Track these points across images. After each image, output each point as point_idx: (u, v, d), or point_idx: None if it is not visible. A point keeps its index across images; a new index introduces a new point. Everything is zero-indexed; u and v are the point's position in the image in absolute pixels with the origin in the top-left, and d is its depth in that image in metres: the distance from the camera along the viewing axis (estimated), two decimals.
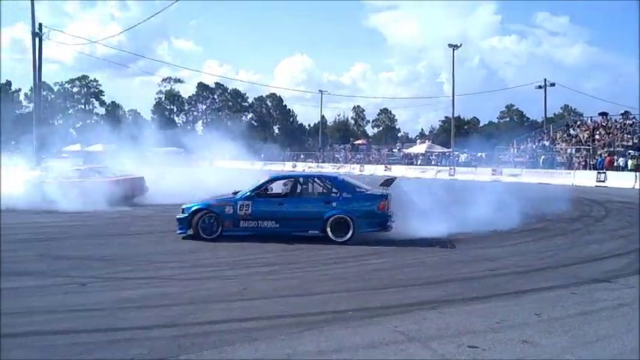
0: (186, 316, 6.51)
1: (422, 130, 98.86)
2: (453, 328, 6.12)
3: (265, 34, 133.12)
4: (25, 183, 19.61)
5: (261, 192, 12.33)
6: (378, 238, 11.98)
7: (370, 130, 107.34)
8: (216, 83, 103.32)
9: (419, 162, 55.01)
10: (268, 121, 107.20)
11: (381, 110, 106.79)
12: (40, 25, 33.20)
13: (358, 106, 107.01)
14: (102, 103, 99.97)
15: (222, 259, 10.10)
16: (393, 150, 66.07)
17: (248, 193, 12.21)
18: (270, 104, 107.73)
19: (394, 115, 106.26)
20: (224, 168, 37.15)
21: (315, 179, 13.08)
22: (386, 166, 53.84)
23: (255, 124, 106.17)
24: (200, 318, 6.47)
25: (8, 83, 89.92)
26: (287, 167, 63.89)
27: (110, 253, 10.57)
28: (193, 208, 12.17)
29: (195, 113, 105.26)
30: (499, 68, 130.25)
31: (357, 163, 59.21)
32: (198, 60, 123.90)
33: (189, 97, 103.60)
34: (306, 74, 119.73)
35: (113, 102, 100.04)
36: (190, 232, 12.08)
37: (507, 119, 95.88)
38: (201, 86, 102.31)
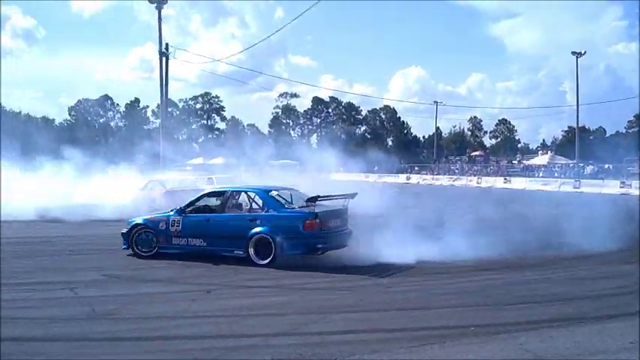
0: (306, 325, 6.57)
1: (543, 140, 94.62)
2: (583, 348, 5.76)
3: (379, 46, 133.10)
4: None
5: (193, 208, 11.50)
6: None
7: (488, 142, 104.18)
8: (331, 97, 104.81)
9: (540, 174, 52.63)
10: (382, 134, 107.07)
11: (499, 121, 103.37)
12: (167, 45, 35.28)
13: (475, 117, 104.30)
14: (223, 119, 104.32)
15: (337, 272, 10.07)
16: (513, 162, 63.66)
17: (179, 209, 11.48)
18: (383, 116, 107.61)
19: (513, 126, 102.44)
20: (339, 181, 37.30)
21: (245, 193, 11.79)
22: (505, 179, 51.94)
23: (369, 136, 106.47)
24: (320, 328, 6.50)
25: (137, 100, 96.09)
26: (401, 179, 63.44)
27: (233, 262, 10.87)
28: (133, 223, 11.66)
29: (310, 127, 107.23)
30: (626, 76, 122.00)
31: (474, 175, 57.63)
32: (313, 75, 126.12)
33: (304, 111, 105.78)
34: (421, 85, 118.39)
35: (233, 117, 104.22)
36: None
37: (636, 129, 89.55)
38: (316, 100, 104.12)
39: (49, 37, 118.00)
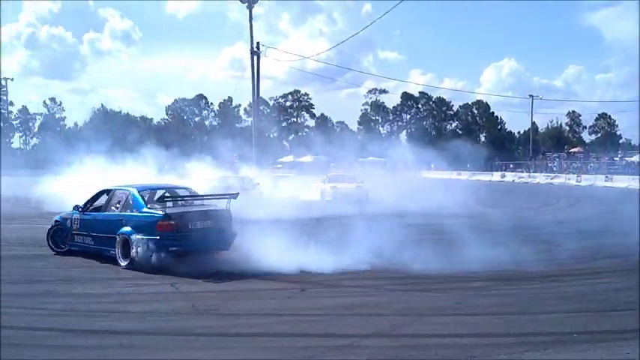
0: (400, 327, 6.56)
1: None
2: None
3: (470, 39, 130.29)
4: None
5: (90, 206, 11.46)
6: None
7: (587, 137, 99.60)
8: (421, 92, 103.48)
9: None
10: (474, 129, 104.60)
11: (598, 115, 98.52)
12: (258, 43, 36.01)
13: (573, 112, 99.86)
14: (312, 116, 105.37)
15: (434, 272, 9.93)
16: (615, 158, 60.45)
17: (79, 206, 11.46)
18: (476, 111, 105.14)
19: (614, 120, 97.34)
20: (429, 178, 36.84)
21: (124, 191, 11.22)
22: (606, 177, 49.46)
23: (461, 132, 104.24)
24: (414, 330, 6.47)
25: (230, 99, 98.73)
26: (495, 177, 61.74)
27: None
28: (54, 219, 11.88)
29: (399, 123, 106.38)
30: None
31: (573, 173, 55.18)
32: (402, 70, 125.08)
33: (393, 107, 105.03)
34: (515, 79, 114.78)
35: (322, 114, 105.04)
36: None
37: None
38: (406, 96, 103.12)
39: (145, 38, 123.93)
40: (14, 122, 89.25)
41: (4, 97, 78.62)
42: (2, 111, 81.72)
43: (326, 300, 7.92)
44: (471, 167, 69.14)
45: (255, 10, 37.06)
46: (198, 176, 23.55)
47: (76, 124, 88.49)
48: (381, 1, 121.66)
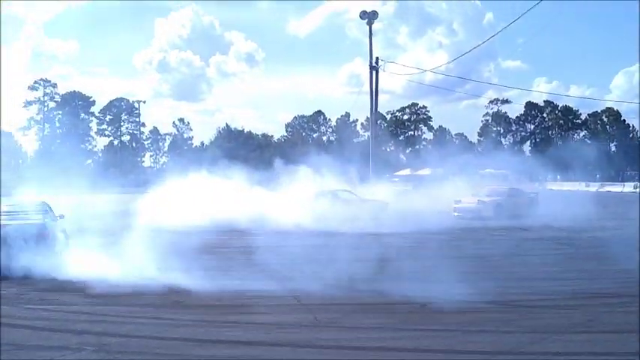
0: (529, 345, 6.29)
1: None
2: None
3: (599, 44, 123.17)
4: None
5: None
6: None
7: None
8: (546, 101, 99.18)
9: None
10: (604, 138, 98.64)
11: None
12: (377, 58, 36.21)
13: None
14: (430, 129, 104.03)
15: (561, 288, 9.47)
16: None
17: None
18: (605, 119, 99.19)
19: None
20: (554, 190, 35.25)
21: None
22: None
23: (589, 141, 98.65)
24: (544, 348, 6.18)
25: (347, 115, 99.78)
26: (627, 189, 57.80)
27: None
28: None
29: (523, 133, 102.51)
30: None
31: None
32: (526, 78, 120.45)
33: (516, 117, 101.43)
34: None
35: (440, 126, 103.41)
36: None
37: None
38: (530, 105, 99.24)
39: (268, 59, 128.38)
40: (145, 142, 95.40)
41: (137, 119, 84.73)
42: (134, 132, 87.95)
43: (449, 316, 7.72)
44: (600, 178, 65.22)
45: (374, 25, 37.35)
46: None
47: (202, 142, 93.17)
48: (504, 9, 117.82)
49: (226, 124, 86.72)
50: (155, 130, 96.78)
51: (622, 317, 7.50)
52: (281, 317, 7.74)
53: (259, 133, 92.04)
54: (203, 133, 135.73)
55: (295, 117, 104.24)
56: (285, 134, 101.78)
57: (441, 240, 16.68)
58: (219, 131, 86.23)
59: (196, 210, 20.97)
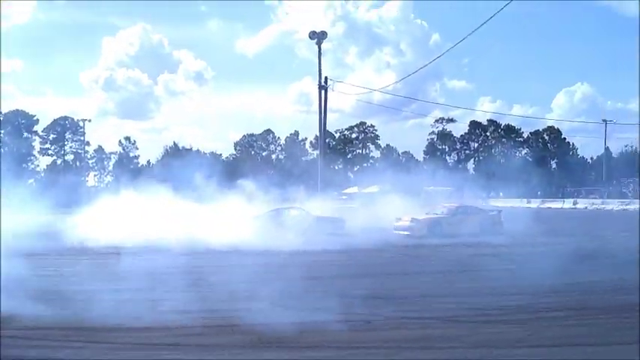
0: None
1: None
2: None
3: (540, 65, 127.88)
4: None
5: None
6: None
7: None
8: (489, 120, 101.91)
9: None
10: (545, 156, 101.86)
11: None
12: (326, 78, 36.52)
13: None
14: (377, 147, 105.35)
15: (503, 303, 9.66)
16: None
17: None
18: (547, 138, 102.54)
19: None
20: (497, 207, 35.92)
21: None
22: None
23: (531, 159, 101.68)
24: None
25: (296, 133, 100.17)
26: (567, 205, 59.74)
27: (394, 292, 10.85)
28: None
29: (467, 151, 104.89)
30: None
31: None
32: (470, 98, 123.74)
33: (461, 135, 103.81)
34: (588, 103, 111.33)
35: (388, 145, 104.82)
36: None
37: None
38: (474, 124, 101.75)
39: (217, 77, 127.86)
40: (90, 161, 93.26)
41: (82, 138, 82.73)
42: (79, 151, 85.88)
43: (393, 332, 7.75)
44: (541, 195, 67.19)
45: (324, 45, 37.70)
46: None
47: (148, 161, 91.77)
48: (450, 30, 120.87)
49: (174, 143, 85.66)
50: (100, 149, 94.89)
51: (560, 331, 7.67)
52: None
53: (207, 151, 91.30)
54: (150, 152, 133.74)
55: (244, 135, 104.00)
56: (234, 152, 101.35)
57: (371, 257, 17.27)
58: (167, 150, 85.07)
59: (124, 229, 20.37)
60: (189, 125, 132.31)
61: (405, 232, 23.24)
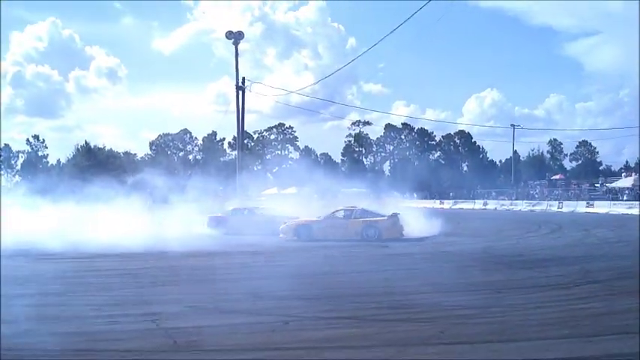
0: (387, 359, 6.49)
1: (627, 162, 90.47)
2: None
3: (453, 71, 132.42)
4: None
5: None
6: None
7: (568, 164, 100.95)
8: (404, 123, 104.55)
9: (625, 197, 50.29)
10: (457, 159, 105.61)
11: (579, 143, 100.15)
12: (244, 78, 36.32)
13: (554, 140, 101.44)
14: (296, 148, 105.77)
15: (417, 301, 9.96)
16: (595, 185, 61.16)
17: None
18: (458, 141, 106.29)
19: (594, 148, 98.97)
20: (412, 208, 36.96)
21: None
22: (588, 203, 49.99)
23: (443, 162, 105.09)
24: None
25: (214, 133, 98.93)
26: (477, 205, 62.08)
27: (310, 293, 10.94)
28: None
29: (382, 154, 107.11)
30: None
31: (555, 200, 55.70)
32: (386, 102, 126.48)
33: (377, 138, 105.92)
34: (497, 109, 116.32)
35: (306, 147, 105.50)
36: None
37: None
38: (389, 127, 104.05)
39: (131, 75, 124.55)
40: None
41: None
42: None
43: (310, 333, 7.81)
44: (453, 196, 69.51)
45: (241, 45, 37.53)
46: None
47: (58, 161, 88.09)
48: (366, 34, 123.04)
49: (85, 142, 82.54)
50: (7, 148, 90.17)
51: (472, 328, 7.96)
52: None
53: (121, 151, 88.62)
54: (60, 151, 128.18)
55: (160, 135, 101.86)
56: (150, 152, 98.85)
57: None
58: (78, 149, 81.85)
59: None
60: (102, 124, 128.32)
61: (282, 236, 22.92)
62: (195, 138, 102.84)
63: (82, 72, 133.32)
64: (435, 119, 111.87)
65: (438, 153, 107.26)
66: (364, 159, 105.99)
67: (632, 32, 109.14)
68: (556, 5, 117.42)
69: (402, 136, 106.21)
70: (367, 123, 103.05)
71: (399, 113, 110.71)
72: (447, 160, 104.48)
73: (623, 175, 62.56)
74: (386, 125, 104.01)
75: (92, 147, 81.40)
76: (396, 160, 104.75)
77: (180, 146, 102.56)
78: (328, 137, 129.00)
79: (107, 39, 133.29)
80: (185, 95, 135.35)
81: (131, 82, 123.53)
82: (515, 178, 77.25)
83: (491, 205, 60.93)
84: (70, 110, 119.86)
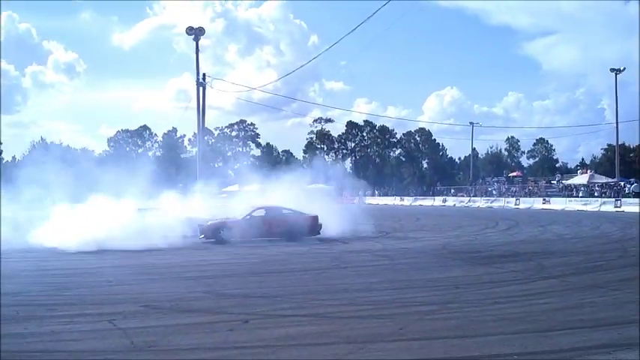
0: (344, 356, 6.50)
1: (582, 159, 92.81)
2: None
3: (413, 69, 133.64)
4: None
5: None
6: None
7: (525, 162, 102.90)
8: (365, 121, 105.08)
9: (580, 194, 51.60)
10: (417, 156, 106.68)
11: (536, 140, 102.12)
12: (204, 75, 35.96)
13: (512, 137, 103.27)
14: (258, 145, 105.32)
15: (377, 298, 10.03)
16: (552, 182, 62.57)
17: None
18: (418, 139, 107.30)
19: (551, 145, 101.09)
20: (373, 204, 37.23)
21: None
22: (544, 199, 51.11)
23: (404, 159, 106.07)
24: (358, 358, 6.42)
25: (174, 130, 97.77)
26: (437, 202, 62.84)
27: (269, 291, 10.90)
28: None
29: (344, 151, 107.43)
30: None
31: (513, 196, 56.79)
32: (347, 99, 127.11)
33: (338, 135, 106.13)
34: (456, 107, 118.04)
35: (268, 143, 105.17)
36: None
37: None
38: (351, 124, 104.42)
39: (90, 70, 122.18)
40: None
41: None
42: None
43: (269, 331, 7.77)
44: (413, 192, 70.26)
45: (202, 41, 37.19)
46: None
47: (14, 157, 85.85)
48: (328, 32, 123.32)
49: (41, 138, 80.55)
50: None
51: (430, 324, 8.04)
52: None
53: (79, 147, 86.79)
54: (16, 148, 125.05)
55: (119, 131, 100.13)
56: (108, 149, 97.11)
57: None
58: (34, 145, 79.85)
59: None
60: (59, 120, 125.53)
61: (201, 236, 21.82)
62: (155, 134, 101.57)
63: (39, 67, 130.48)
64: (396, 117, 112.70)
65: (399, 150, 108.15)
66: (326, 156, 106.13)
67: (588, 32, 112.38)
68: (514, 5, 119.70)
69: (364, 134, 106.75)
70: (329, 120, 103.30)
71: (361, 110, 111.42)
72: (408, 158, 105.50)
73: (578, 172, 64.15)
74: (348, 122, 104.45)
75: (49, 143, 79.62)
76: (358, 157, 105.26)
77: (140, 142, 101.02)
78: (290, 134, 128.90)
79: (65, 33, 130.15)
80: (145, 91, 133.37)
81: (90, 77, 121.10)
82: (474, 175, 78.43)
83: (451, 201, 61.76)
84: (27, 106, 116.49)
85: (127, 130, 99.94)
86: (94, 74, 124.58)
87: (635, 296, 9.67)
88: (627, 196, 44.88)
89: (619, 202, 42.83)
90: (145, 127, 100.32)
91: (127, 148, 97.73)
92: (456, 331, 7.60)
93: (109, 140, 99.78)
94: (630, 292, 10.13)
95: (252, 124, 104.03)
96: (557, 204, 47.82)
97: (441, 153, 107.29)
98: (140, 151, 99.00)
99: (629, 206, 40.37)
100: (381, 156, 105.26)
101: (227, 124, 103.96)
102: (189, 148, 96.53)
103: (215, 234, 21.46)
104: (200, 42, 36.24)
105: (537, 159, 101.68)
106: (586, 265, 13.64)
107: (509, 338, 7.14)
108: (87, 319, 8.56)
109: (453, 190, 70.03)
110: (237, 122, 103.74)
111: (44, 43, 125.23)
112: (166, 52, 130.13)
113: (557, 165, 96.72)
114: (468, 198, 61.83)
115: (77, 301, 10.10)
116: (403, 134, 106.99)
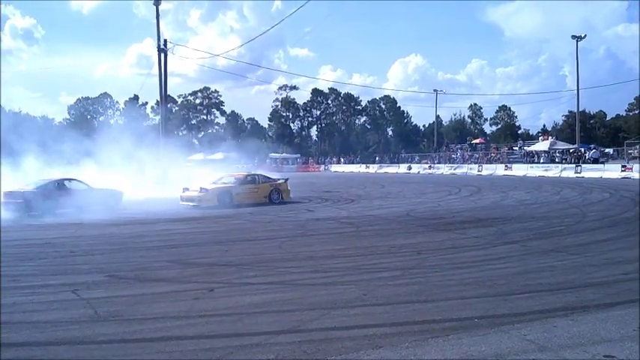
0: (309, 322, 6.57)
1: (544, 126, 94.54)
2: (586, 337, 5.80)
3: (378, 36, 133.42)
4: None
5: None
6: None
7: (488, 129, 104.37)
8: (330, 88, 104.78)
9: (541, 160, 52.64)
10: (382, 124, 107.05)
11: (499, 107, 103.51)
12: (166, 41, 35.25)
13: (475, 104, 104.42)
14: (222, 113, 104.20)
15: (342, 265, 10.15)
16: (514, 148, 63.65)
17: None
18: (383, 106, 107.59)
19: (514, 112, 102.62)
20: (338, 172, 37.41)
21: None
22: (506, 166, 51.99)
23: (369, 126, 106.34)
24: (322, 324, 6.50)
25: (136, 97, 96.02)
26: (402, 169, 63.38)
27: (235, 259, 10.93)
28: None
29: (309, 119, 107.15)
30: (627, 58, 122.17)
31: (475, 163, 57.64)
32: (313, 66, 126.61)
33: (304, 103, 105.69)
34: (420, 74, 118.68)
35: (233, 111, 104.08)
36: None
37: (637, 112, 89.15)
38: (316, 92, 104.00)
39: (49, 37, 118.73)
40: None
41: None
42: None
43: (234, 299, 7.81)
44: (379, 160, 70.64)
45: (163, 6, 36.60)
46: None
47: None
48: None
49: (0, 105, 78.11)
50: None
51: (393, 290, 8.17)
52: None
53: (38, 115, 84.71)
54: None
55: (79, 99, 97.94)
56: (68, 117, 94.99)
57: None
58: None
59: None
60: (17, 87, 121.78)
61: (192, 203, 22.10)
62: (117, 102, 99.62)
63: None
64: (361, 84, 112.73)
65: (364, 118, 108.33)
66: (291, 124, 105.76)
67: None
68: None
69: (329, 101, 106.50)
70: (294, 87, 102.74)
71: (326, 78, 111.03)
72: (373, 125, 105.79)
73: (540, 138, 65.40)
74: (313, 90, 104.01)
75: (7, 111, 77.41)
76: (323, 124, 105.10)
77: (101, 110, 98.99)
78: (255, 102, 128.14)
79: None
80: (105, 57, 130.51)
81: (48, 43, 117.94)
82: (438, 142, 79.23)
83: (415, 169, 62.36)
84: None
85: (87, 98, 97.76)
86: (53, 40, 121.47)
87: (593, 260, 9.99)
88: (587, 162, 45.95)
89: (579, 168, 43.83)
90: (105, 95, 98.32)
91: (88, 117, 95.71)
92: (419, 295, 7.74)
93: (70, 108, 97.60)
94: (588, 255, 10.44)
95: (216, 91, 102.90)
96: (519, 170, 48.72)
97: (405, 120, 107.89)
98: (101, 118, 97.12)
99: (589, 172, 41.37)
100: (347, 124, 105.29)
101: (190, 92, 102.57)
102: (151, 116, 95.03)
103: (221, 198, 22.28)
104: (161, 7, 35.53)
105: (500, 126, 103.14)
106: (546, 230, 13.97)
107: (470, 302, 7.32)
108: (50, 290, 8.47)
109: (417, 158, 70.67)
110: (200, 89, 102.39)
111: (0, 8, 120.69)
112: (127, 17, 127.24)
113: (519, 132, 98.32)
114: (432, 165, 62.51)
115: (40, 271, 10.02)
116: (368, 102, 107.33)
